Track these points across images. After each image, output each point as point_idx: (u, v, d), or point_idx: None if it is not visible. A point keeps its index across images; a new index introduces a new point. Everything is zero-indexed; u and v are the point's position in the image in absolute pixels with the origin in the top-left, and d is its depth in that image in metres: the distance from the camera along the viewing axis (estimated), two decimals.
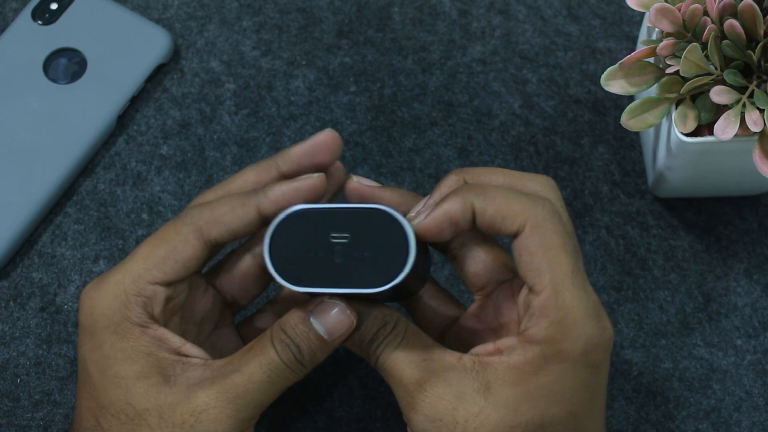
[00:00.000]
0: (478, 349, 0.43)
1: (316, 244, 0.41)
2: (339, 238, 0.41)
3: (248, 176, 0.46)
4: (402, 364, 0.43)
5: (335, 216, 0.42)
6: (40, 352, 0.56)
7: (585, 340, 0.41)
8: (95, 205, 0.60)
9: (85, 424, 0.44)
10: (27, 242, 0.59)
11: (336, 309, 0.43)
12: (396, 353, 0.43)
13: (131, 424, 0.43)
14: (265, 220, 0.45)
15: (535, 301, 0.41)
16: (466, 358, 0.43)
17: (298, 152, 0.46)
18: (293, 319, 0.43)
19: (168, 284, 0.44)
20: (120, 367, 0.43)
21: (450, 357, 0.43)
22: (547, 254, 0.41)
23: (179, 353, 0.44)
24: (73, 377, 0.55)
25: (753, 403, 0.56)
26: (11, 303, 0.57)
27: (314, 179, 0.44)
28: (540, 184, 0.45)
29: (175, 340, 0.44)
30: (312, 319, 0.43)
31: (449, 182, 0.45)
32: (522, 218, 0.42)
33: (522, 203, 0.42)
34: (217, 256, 0.49)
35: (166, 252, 0.44)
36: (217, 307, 0.48)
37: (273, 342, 0.43)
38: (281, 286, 0.44)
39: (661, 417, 0.56)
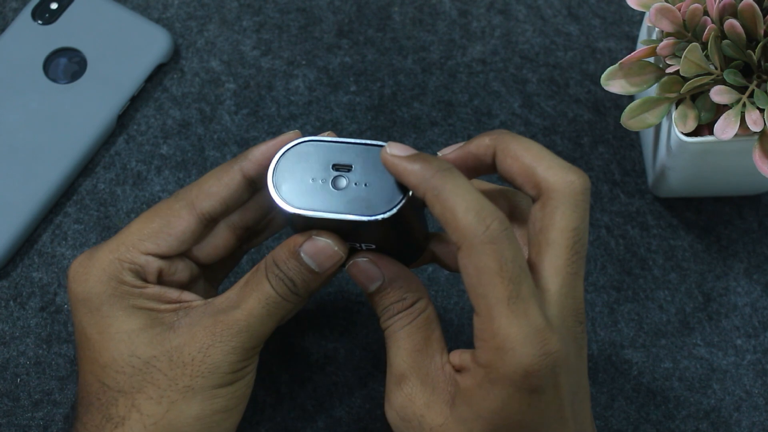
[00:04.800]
0: (455, 357, 0.43)
1: (319, 172, 0.43)
2: (342, 168, 0.43)
3: (210, 181, 0.46)
4: (397, 349, 0.44)
5: (340, 148, 0.43)
6: (40, 351, 0.56)
7: (524, 367, 0.39)
8: (95, 204, 0.60)
9: (88, 389, 0.45)
10: (27, 242, 0.59)
11: (325, 243, 0.44)
12: (399, 334, 0.44)
13: (140, 374, 0.43)
14: (252, 185, 0.46)
15: (476, 323, 0.40)
16: (448, 367, 0.43)
17: (263, 152, 0.46)
18: (284, 254, 0.44)
19: (162, 257, 0.45)
20: (121, 324, 0.44)
21: (438, 359, 0.43)
22: (482, 278, 0.39)
23: (179, 301, 0.45)
24: (73, 377, 0.55)
25: (753, 403, 0.56)
26: (11, 303, 0.57)
27: (290, 135, 0.45)
28: (558, 180, 0.42)
29: (173, 292, 0.45)
30: (303, 254, 0.44)
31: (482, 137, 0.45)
32: (459, 235, 0.40)
33: (468, 218, 0.39)
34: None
35: (160, 226, 0.45)
36: (201, 278, 0.49)
37: (268, 277, 0.44)
38: (279, 214, 0.44)
39: (661, 417, 0.56)
